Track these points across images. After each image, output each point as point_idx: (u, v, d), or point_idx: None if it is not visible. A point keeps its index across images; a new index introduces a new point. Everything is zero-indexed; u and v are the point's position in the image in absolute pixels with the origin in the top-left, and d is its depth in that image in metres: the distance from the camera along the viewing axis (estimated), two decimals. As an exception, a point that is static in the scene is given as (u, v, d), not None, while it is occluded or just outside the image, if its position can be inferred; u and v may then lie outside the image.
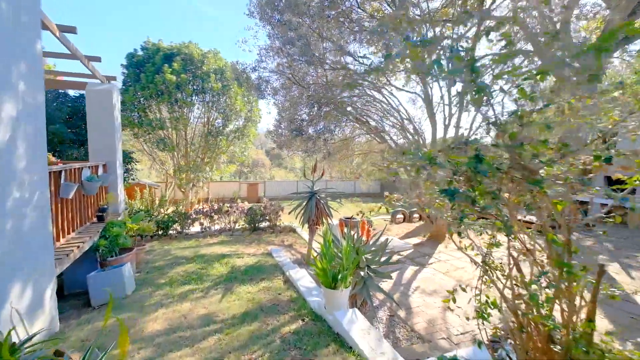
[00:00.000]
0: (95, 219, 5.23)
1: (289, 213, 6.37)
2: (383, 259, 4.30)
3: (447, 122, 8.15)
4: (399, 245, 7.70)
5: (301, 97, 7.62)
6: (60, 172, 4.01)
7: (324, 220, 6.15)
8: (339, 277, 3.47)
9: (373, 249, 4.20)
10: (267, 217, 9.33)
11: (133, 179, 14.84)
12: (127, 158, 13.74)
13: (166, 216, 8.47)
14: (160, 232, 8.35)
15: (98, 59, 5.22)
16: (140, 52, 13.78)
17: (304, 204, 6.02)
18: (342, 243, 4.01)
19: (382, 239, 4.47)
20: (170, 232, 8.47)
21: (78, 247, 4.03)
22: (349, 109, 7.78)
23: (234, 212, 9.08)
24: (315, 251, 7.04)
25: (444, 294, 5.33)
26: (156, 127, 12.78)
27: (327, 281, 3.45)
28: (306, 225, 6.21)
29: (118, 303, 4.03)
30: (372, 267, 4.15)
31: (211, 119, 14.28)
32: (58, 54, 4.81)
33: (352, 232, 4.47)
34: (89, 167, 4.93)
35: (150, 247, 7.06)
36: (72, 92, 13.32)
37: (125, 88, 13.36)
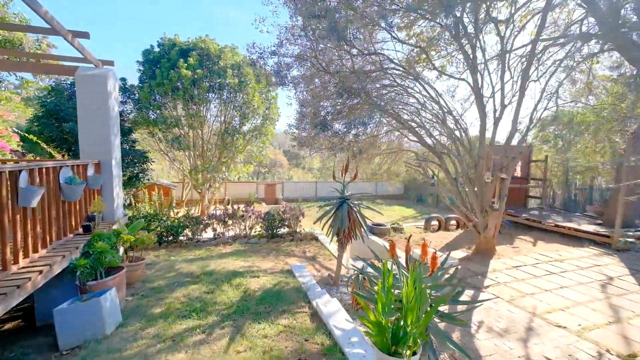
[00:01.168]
0: (81, 230, 4.18)
1: (314, 223, 5.13)
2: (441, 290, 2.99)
3: (497, 115, 6.69)
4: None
5: (327, 86, 6.37)
6: (18, 172, 2.94)
7: (357, 233, 4.89)
8: (401, 334, 2.20)
9: (440, 282, 2.90)
10: (286, 223, 8.16)
11: (148, 180, 14.06)
12: (143, 158, 12.95)
13: (176, 221, 7.45)
14: (169, 239, 7.35)
15: (86, 35, 4.17)
16: (156, 49, 12.98)
17: (333, 212, 4.76)
18: (399, 278, 2.73)
19: (447, 265, 3.17)
20: (181, 238, 7.45)
21: (41, 272, 2.95)
22: (379, 102, 6.47)
23: (250, 216, 7.96)
24: (346, 268, 5.79)
25: (519, 333, 3.94)
26: (171, 124, 11.89)
27: (383, 342, 2.19)
28: (335, 238, 4.95)
29: (90, 350, 2.92)
30: (440, 309, 2.85)
31: (228, 117, 13.28)
32: (30, 27, 3.78)
33: (396, 255, 3.18)
34: (70, 165, 3.87)
35: (154, 258, 6.01)
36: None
37: (140, 85, 12.60)
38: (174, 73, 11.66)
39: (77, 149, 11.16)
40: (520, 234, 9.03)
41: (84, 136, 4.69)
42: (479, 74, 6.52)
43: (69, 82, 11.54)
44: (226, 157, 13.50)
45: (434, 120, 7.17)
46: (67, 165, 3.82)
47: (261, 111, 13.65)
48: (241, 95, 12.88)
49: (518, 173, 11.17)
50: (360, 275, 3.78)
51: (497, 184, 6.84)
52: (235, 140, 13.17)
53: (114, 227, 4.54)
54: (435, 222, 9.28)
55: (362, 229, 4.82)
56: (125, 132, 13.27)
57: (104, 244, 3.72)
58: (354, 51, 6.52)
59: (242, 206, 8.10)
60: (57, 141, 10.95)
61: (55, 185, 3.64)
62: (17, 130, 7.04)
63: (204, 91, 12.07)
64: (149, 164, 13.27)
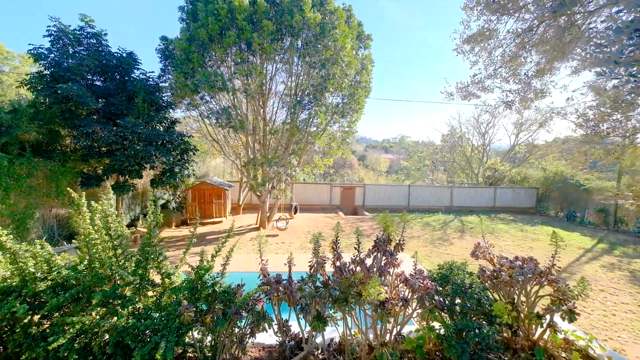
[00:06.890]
0: None
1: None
2: None
3: None
4: None
5: None
6: None
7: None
8: None
9: None
10: (499, 323, 2.24)
11: (189, 175, 9.41)
12: (183, 143, 8.35)
13: (166, 305, 2.08)
14: None
15: None
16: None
17: None
18: None
19: None
20: None
21: None
22: None
23: (406, 300, 2.18)
24: None
25: None
26: (216, 85, 6.88)
27: None
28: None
29: None
30: None
31: (302, 79, 7.91)
32: None
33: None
34: None
35: None
36: (114, 49, 8.39)
37: (179, 38, 7.93)
38: (222, 4, 6.75)
39: (84, 125, 6.64)
40: None
41: None
42: None
43: (79, 26, 7.35)
44: (296, 144, 8.20)
45: None
46: None
47: (352, 72, 8.03)
48: (325, 43, 7.39)
49: None
50: None
51: None
52: (313, 117, 7.76)
53: None
54: None
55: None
56: (160, 108, 8.74)
57: None
58: None
59: (365, 258, 2.37)
60: (59, 114, 6.57)
61: None
62: None
63: (268, 35, 6.93)
64: (192, 153, 8.54)
